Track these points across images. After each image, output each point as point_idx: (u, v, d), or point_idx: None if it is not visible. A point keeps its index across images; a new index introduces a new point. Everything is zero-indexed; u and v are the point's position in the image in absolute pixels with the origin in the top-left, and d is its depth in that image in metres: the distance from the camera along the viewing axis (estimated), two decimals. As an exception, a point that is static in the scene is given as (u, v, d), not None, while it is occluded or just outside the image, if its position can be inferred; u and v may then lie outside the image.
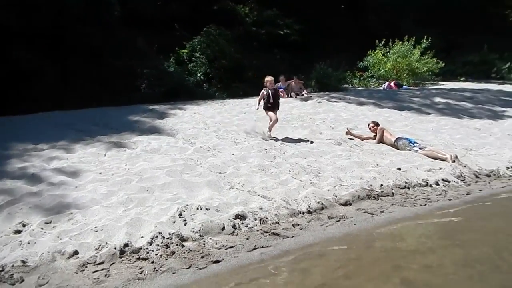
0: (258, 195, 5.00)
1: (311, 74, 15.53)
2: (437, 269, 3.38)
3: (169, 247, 3.59)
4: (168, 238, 3.71)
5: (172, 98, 12.34)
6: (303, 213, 4.67)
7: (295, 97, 12.78)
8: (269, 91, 7.66)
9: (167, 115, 9.81)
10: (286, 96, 13.02)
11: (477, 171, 6.71)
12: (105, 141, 7.12)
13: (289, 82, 13.27)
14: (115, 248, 3.45)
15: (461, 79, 18.33)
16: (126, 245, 3.53)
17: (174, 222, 4.02)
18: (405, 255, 3.74)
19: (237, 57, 15.90)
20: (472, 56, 19.39)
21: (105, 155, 6.44)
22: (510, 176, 6.75)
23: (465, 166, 6.79)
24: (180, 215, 4.13)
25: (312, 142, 7.62)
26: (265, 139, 7.54)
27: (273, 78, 7.83)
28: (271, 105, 7.70)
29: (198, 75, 15.81)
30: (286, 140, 7.66)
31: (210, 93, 14.80)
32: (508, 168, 7.04)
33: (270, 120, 7.74)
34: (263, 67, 15.77)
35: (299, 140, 7.71)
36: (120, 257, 3.41)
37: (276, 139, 7.59)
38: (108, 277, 3.15)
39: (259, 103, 7.81)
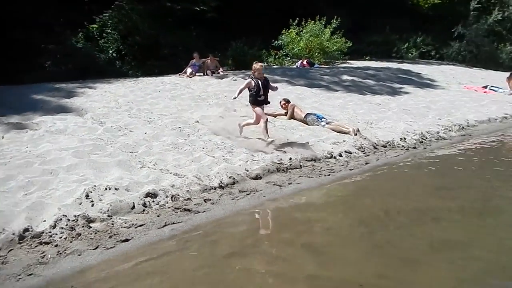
0: (171, 173, 5.02)
1: (228, 52, 15.56)
2: (335, 231, 3.73)
3: (74, 229, 3.50)
4: (73, 221, 3.61)
5: (81, 76, 11.60)
6: (215, 189, 4.80)
7: (211, 75, 12.76)
8: (258, 81, 6.23)
9: (75, 94, 9.24)
10: (202, 73, 12.98)
11: (375, 143, 7.37)
12: (3, 122, 6.56)
13: (205, 60, 13.20)
14: (13, 234, 3.28)
15: (367, 58, 19.64)
16: (26, 230, 3.36)
17: (81, 203, 3.91)
18: (308, 221, 4.05)
19: (152, 34, 15.34)
20: (376, 37, 20.81)
21: (2, 137, 5.95)
22: (403, 146, 7.52)
23: (365, 138, 7.42)
24: (87, 196, 4.03)
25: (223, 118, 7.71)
26: (264, 151, 6.14)
27: (263, 66, 6.46)
28: (261, 99, 6.32)
29: (110, 52, 15.01)
30: (201, 118, 7.69)
31: (123, 71, 14.17)
32: (401, 139, 7.83)
33: (257, 119, 6.44)
34: (179, 44, 15.44)
35: (215, 118, 7.79)
36: (20, 243, 3.25)
37: (271, 142, 6.26)
38: (5, 264, 3.00)
39: (239, 92, 6.30)
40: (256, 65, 6.30)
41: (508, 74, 15.17)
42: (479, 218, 4.02)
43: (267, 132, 6.25)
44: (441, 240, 3.43)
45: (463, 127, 9.46)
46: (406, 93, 12.27)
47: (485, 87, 14.70)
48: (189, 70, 12.55)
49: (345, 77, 13.60)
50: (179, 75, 12.53)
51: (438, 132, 8.75)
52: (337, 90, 11.58)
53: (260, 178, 5.27)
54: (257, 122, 6.47)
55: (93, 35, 15.34)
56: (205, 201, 4.44)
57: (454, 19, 22.26)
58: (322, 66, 17.14)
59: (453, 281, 2.77)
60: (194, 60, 12.77)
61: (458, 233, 3.60)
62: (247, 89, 6.36)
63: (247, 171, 5.37)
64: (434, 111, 10.50)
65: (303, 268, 2.96)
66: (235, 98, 6.40)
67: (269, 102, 6.55)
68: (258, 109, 6.33)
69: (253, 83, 6.25)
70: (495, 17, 22.49)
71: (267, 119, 6.38)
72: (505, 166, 6.33)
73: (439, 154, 7.23)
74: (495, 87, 14.75)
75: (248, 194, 4.72)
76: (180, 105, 8.66)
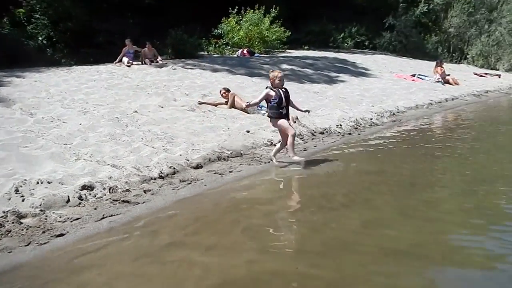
0: (108, 164, 4.89)
1: (166, 40, 15.21)
2: (274, 216, 3.86)
3: (3, 226, 3.32)
4: (2, 217, 3.42)
5: (8, 65, 10.79)
6: (155, 179, 4.75)
7: (150, 64, 12.45)
8: (280, 91, 5.42)
9: (0, 83, 8.62)
10: (140, 62, 12.62)
11: (313, 130, 7.65)
12: None
13: (139, 49, 12.87)
14: None
15: (305, 47, 20.09)
16: None
17: (10, 199, 3.72)
18: (249, 207, 4.15)
19: (85, 20, 14.58)
20: (314, 26, 21.34)
21: None
22: (339, 132, 7.87)
23: (303, 126, 7.67)
24: (17, 191, 3.83)
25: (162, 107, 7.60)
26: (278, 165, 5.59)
27: (283, 74, 5.64)
28: (284, 112, 5.44)
29: (40, 38, 14.10)
30: (140, 108, 7.52)
31: (55, 59, 13.37)
32: (338, 125, 8.18)
33: (284, 133, 5.43)
34: (115, 31, 14.80)
35: (153, 107, 7.64)
36: None
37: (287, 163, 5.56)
38: None
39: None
40: (275, 73, 5.50)
41: (434, 63, 16.31)
42: (408, 198, 4.33)
43: (293, 149, 5.39)
44: (371, 219, 3.68)
45: (393, 113, 10.07)
46: (342, 81, 12.79)
47: (414, 75, 15.70)
48: (125, 59, 12.14)
49: (284, 66, 13.86)
50: (115, 63, 12.08)
51: (371, 119, 9.24)
52: (276, 79, 11.78)
53: (201, 167, 5.29)
54: (285, 141, 5.48)
55: (20, 20, 14.30)
56: (144, 192, 4.39)
57: (386, 10, 23.39)
58: (262, 55, 17.30)
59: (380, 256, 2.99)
60: (126, 47, 12.36)
61: (385, 213, 3.87)
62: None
63: (188, 160, 5.36)
64: (368, 99, 11.07)
65: (243, 254, 3.04)
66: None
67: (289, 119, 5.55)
68: (282, 121, 5.38)
69: (272, 93, 5.38)
70: (421, 9, 23.93)
71: (295, 133, 5.49)
72: (431, 149, 6.83)
73: (372, 139, 7.64)
74: (422, 75, 15.80)
75: (189, 184, 4.72)
76: (118, 95, 8.39)
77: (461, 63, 22.63)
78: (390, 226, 3.49)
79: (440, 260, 2.86)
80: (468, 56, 23.27)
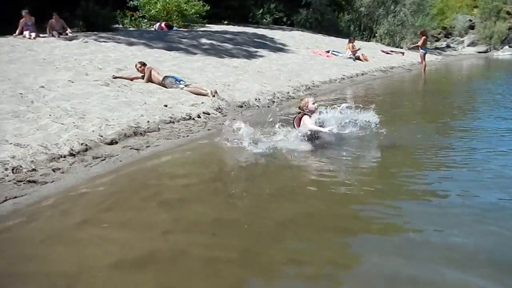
0: (11, 143, 4.50)
1: (77, 12, 14.10)
2: (190, 187, 3.86)
3: None
4: None
5: None
6: (64, 157, 4.49)
7: (58, 36, 11.52)
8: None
9: None
10: (47, 34, 11.61)
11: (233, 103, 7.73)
12: None
13: (50, 20, 11.84)
14: None
15: (224, 22, 19.93)
16: None
17: None
18: (165, 181, 4.11)
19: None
20: (233, 1, 21.18)
21: None
22: (258, 106, 8.04)
23: (223, 100, 7.70)
24: None
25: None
26: None
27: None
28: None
29: None
30: (47, 83, 6.96)
31: None
32: (256, 99, 8.35)
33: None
34: (17, 2, 13.31)
35: (62, 82, 7.13)
36: None
37: None
38: None
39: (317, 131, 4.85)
40: (309, 99, 5.12)
41: (347, 40, 17.15)
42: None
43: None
44: (280, 187, 3.84)
45: (309, 87, 10.51)
46: (261, 56, 12.96)
47: (328, 51, 16.42)
48: (26, 32, 11.04)
49: (204, 40, 13.66)
50: (15, 36, 10.96)
51: (288, 92, 9.56)
52: (196, 53, 11.60)
53: (116, 143, 5.10)
54: None
55: None
56: (53, 171, 4.14)
57: (303, -13, 23.91)
58: (180, 29, 16.83)
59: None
60: (24, 19, 11.24)
61: (298, 183, 4.07)
62: None
63: (101, 136, 5.13)
64: (285, 73, 11.38)
65: (160, 226, 3.02)
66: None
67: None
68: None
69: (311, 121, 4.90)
70: (336, -13, 24.87)
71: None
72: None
73: (290, 111, 7.91)
74: (336, 51, 16.58)
75: (103, 160, 4.54)
76: (21, 69, 7.66)
77: (371, 41, 24.05)
78: (302, 194, 3.65)
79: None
80: (376, 35, 24.79)
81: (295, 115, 5.24)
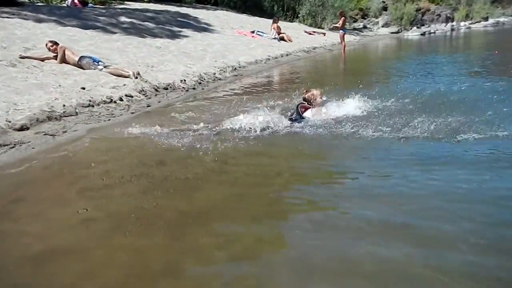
0: None
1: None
2: (112, 174, 3.64)
3: None
4: None
5: None
6: (-36, 146, 4.03)
7: (-50, 11, 10.15)
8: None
9: None
10: None
11: (156, 85, 7.44)
12: None
13: None
14: None
15: (145, 0, 19.03)
16: None
17: None
18: (85, 167, 3.85)
19: None
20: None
21: None
22: (183, 87, 7.83)
23: (146, 81, 7.38)
24: None
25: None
26: None
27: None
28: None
29: None
30: None
31: None
32: (182, 81, 8.12)
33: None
34: None
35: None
36: None
37: None
38: None
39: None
40: (316, 91, 5.07)
41: (271, 20, 17.29)
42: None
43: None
44: (204, 171, 3.79)
45: (235, 68, 10.46)
46: (185, 36, 12.60)
47: (253, 32, 16.43)
48: None
49: (123, 18, 12.91)
50: None
51: (214, 74, 9.43)
52: (115, 33, 10.94)
53: (27, 128, 4.67)
54: None
55: None
56: (-47, 162, 3.69)
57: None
58: (97, 6, 15.75)
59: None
60: None
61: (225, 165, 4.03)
62: None
63: (9, 122, 4.67)
64: (211, 54, 11.20)
65: (79, 214, 2.84)
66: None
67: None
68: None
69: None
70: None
71: None
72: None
73: (215, 93, 7.82)
74: (261, 32, 16.65)
75: (12, 147, 4.14)
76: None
77: (294, 22, 24.49)
78: (228, 178, 3.63)
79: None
80: (299, 15, 25.27)
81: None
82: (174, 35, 12.32)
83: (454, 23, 29.12)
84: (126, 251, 2.40)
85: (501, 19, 31.17)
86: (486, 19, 30.88)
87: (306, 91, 5.10)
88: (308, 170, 3.66)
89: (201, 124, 4.91)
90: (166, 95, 7.19)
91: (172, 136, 4.54)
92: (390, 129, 4.23)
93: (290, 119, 4.85)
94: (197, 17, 16.70)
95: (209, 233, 2.59)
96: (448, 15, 31.33)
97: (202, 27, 14.99)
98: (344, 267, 2.14)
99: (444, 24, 29.32)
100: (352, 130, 4.33)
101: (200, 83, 8.46)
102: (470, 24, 29.22)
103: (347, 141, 4.12)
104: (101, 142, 4.62)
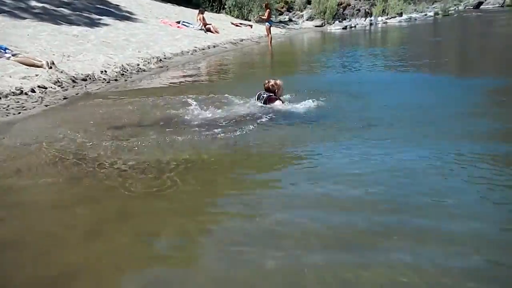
0: None
1: None
2: (26, 172, 3.35)
3: None
4: None
5: None
6: None
7: None
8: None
9: None
10: None
11: (74, 76, 6.96)
12: None
13: None
14: None
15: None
16: None
17: None
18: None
19: None
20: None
21: None
22: (104, 79, 7.41)
23: (62, 72, 6.87)
24: None
25: None
26: None
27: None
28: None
29: None
30: None
31: None
32: (102, 72, 7.69)
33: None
34: None
35: None
36: None
37: None
38: None
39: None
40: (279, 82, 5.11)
41: (197, 11, 16.98)
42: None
43: None
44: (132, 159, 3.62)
45: (160, 59, 10.13)
46: (106, 25, 11.93)
47: (179, 22, 16.03)
48: None
49: (34, 3, 11.83)
50: None
51: (138, 65, 9.05)
52: (25, 18, 10.01)
53: None
54: None
55: None
56: None
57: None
58: (3, -12, 14.28)
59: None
60: None
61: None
62: None
63: None
64: (134, 44, 10.73)
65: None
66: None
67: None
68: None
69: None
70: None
71: None
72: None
73: (139, 85, 7.51)
74: (186, 22, 16.29)
75: None
76: None
77: (220, 13, 24.31)
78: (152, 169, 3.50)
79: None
80: (225, 6, 25.12)
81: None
82: (93, 23, 11.59)
83: (372, 18, 30.82)
84: (41, 250, 2.21)
85: (413, 15, 33.70)
86: (400, 14, 33.11)
87: (269, 81, 5.12)
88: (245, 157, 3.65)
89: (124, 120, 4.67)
90: (85, 86, 6.76)
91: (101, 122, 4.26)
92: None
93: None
94: (118, 5, 15.85)
95: (131, 225, 2.47)
96: (367, 10, 33.14)
97: (124, 16, 14.29)
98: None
99: (363, 18, 30.91)
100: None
101: (123, 74, 8.07)
102: (387, 19, 31.12)
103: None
104: (9, 139, 4.20)
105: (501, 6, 41.83)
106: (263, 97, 4.95)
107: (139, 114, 5.02)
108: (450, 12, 36.94)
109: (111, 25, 12.14)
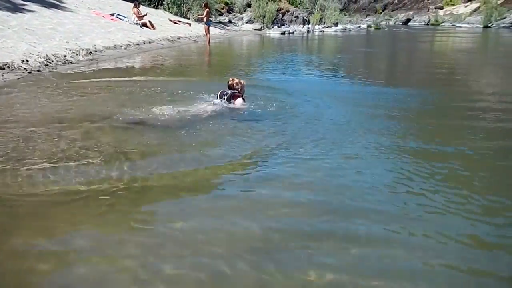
0: None
1: None
2: None
3: None
4: None
5: None
6: None
7: None
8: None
9: None
10: None
11: (-12, 64, 6.36)
12: None
13: None
14: None
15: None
16: None
17: None
18: None
19: None
20: None
21: None
22: (25, 68, 6.86)
23: (-25, 59, 6.25)
24: None
25: None
26: None
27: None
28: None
29: None
30: None
31: None
32: (23, 61, 7.12)
33: None
34: None
35: None
36: None
37: None
38: None
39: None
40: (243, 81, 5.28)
41: (132, 4, 16.35)
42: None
43: None
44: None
45: (90, 52, 9.60)
46: (30, 11, 11.08)
47: (113, 14, 15.33)
48: None
49: None
50: None
51: (65, 56, 8.51)
52: None
53: None
54: None
55: None
56: None
57: None
58: None
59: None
60: None
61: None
62: None
63: None
64: (62, 34, 10.08)
65: None
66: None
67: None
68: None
69: None
70: None
71: None
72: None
73: (65, 77, 7.03)
74: (121, 15, 15.63)
75: None
76: None
77: (159, 9, 23.65)
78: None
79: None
80: (164, 2, 24.49)
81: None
82: (15, 9, 10.70)
83: (310, 25, 31.79)
84: None
85: (348, 26, 35.37)
86: (336, 24, 34.61)
87: (233, 80, 5.20)
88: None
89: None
90: (3, 75, 6.20)
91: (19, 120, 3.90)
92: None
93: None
94: (46, -9, 14.82)
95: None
96: (305, 17, 34.14)
97: (51, 3, 13.35)
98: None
99: (301, 25, 31.80)
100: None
101: (47, 65, 7.53)
102: (323, 28, 32.29)
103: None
104: None
105: (427, 24, 45.72)
106: (227, 93, 5.07)
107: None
108: (381, 26, 39.31)
109: (36, 12, 11.30)
